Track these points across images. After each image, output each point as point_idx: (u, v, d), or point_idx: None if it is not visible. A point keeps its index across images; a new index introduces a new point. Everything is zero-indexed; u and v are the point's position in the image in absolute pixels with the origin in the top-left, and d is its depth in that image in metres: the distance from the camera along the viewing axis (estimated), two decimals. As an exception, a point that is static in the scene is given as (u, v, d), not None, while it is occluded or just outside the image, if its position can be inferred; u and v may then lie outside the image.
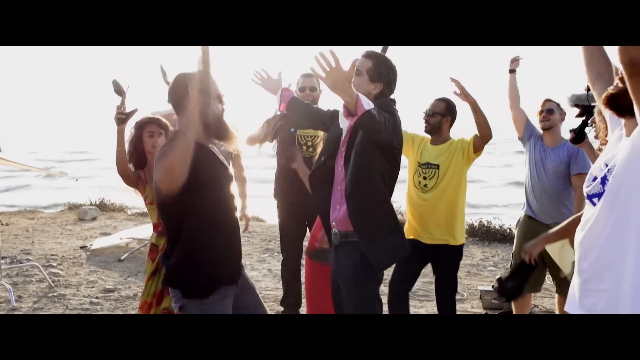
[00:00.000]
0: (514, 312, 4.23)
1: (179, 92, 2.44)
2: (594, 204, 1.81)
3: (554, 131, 3.98)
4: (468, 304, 5.08)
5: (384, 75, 2.79)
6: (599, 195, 1.80)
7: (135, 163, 3.37)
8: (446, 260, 3.73)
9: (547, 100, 3.98)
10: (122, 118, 3.23)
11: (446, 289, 3.73)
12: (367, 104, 2.41)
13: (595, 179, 1.84)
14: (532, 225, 3.98)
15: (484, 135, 3.61)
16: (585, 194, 1.88)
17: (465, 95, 3.58)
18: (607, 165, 1.80)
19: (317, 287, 3.45)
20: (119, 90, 3.31)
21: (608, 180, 1.76)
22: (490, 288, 4.91)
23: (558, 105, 3.98)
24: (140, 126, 3.39)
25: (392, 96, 2.87)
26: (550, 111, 3.94)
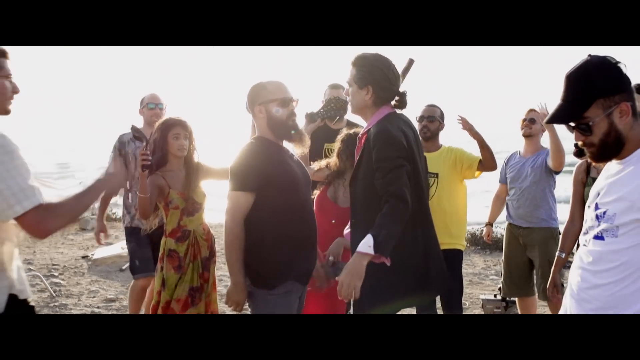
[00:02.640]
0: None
1: (247, 100, 2.74)
2: None
3: (534, 140, 4.12)
4: (470, 313, 5.07)
5: (367, 78, 2.60)
6: None
7: (156, 164, 3.35)
8: (449, 263, 3.72)
9: (531, 110, 4.10)
10: (147, 165, 3.18)
11: (452, 293, 3.70)
12: (380, 248, 2.34)
13: None
14: (514, 230, 4.18)
15: (489, 167, 3.70)
16: None
17: (473, 133, 3.64)
18: None
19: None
20: (139, 137, 3.34)
21: None
22: (492, 297, 4.90)
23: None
24: (166, 128, 3.37)
25: (402, 90, 2.70)
26: (532, 120, 4.08)
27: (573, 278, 1.90)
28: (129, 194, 4.03)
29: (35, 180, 1.94)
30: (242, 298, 2.62)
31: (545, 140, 4.18)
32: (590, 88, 1.73)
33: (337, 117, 3.82)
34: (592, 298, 1.78)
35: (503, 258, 4.31)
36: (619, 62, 1.74)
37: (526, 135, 4.11)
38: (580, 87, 1.75)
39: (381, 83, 2.60)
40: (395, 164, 2.46)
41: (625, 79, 1.74)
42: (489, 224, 4.63)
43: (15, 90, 2.09)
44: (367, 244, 2.35)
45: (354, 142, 3.33)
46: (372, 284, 2.48)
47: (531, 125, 4.07)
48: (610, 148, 1.77)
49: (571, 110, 1.77)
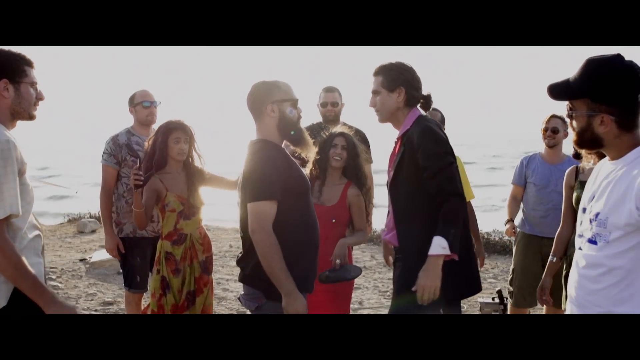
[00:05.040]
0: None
1: (254, 97, 2.57)
2: None
3: (558, 148, 3.99)
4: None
5: (398, 80, 2.68)
6: None
7: (156, 166, 3.34)
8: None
9: (553, 117, 3.95)
10: (139, 184, 3.17)
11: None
12: (453, 248, 2.49)
13: None
14: (532, 241, 3.98)
15: None
16: None
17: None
18: None
19: None
20: (135, 154, 3.34)
21: None
22: (490, 300, 4.90)
23: (563, 120, 3.95)
24: (167, 131, 3.35)
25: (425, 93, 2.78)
26: (556, 130, 3.93)
27: (571, 284, 1.90)
28: (126, 202, 3.84)
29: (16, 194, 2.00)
30: (301, 307, 2.41)
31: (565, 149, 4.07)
32: (584, 83, 1.75)
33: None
34: (592, 304, 1.78)
35: (515, 268, 4.12)
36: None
37: (551, 146, 3.96)
38: (581, 76, 1.76)
39: (412, 83, 2.71)
40: (446, 162, 2.58)
41: (629, 95, 1.70)
42: (510, 220, 4.21)
43: (39, 97, 2.20)
44: (440, 246, 2.47)
45: (327, 146, 3.36)
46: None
47: (554, 135, 3.92)
48: (585, 143, 1.81)
49: (565, 91, 1.80)
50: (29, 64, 2.15)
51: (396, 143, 2.80)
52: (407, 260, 2.69)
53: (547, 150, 4.03)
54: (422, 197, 2.61)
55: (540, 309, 5.12)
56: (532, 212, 4.00)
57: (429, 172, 2.56)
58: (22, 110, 2.15)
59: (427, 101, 2.78)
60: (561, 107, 1.90)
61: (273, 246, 2.39)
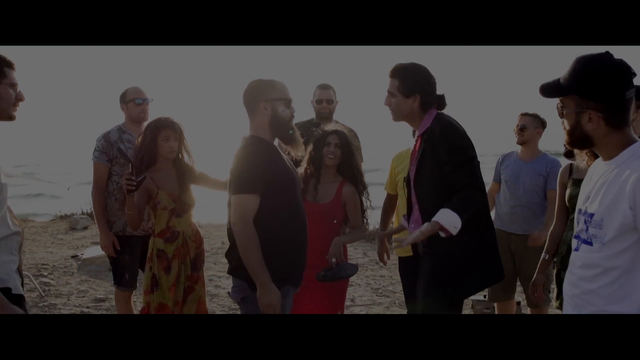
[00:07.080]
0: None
1: (249, 94, 2.64)
2: None
3: (530, 145, 4.02)
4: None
5: (416, 87, 2.72)
6: None
7: (146, 165, 3.33)
8: None
9: (522, 115, 4.01)
10: (131, 189, 3.14)
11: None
12: (456, 223, 2.48)
13: None
14: (503, 236, 4.00)
15: None
16: None
17: None
18: None
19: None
20: (126, 158, 3.33)
21: None
22: (482, 298, 4.93)
23: (535, 117, 4.00)
24: (156, 129, 3.33)
25: (438, 93, 2.81)
26: (523, 128, 3.97)
27: (566, 285, 1.92)
28: (116, 200, 3.79)
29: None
30: (274, 299, 2.48)
31: (542, 144, 4.10)
32: (572, 80, 1.76)
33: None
34: (587, 303, 1.79)
35: None
36: (629, 74, 1.71)
37: (520, 143, 4.02)
38: (571, 73, 1.77)
39: (427, 89, 2.75)
40: (467, 156, 2.63)
41: (616, 92, 1.71)
42: None
43: (19, 98, 2.22)
44: (452, 225, 2.46)
45: (321, 144, 3.36)
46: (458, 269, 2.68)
47: (523, 133, 3.97)
48: (576, 142, 1.82)
49: (554, 89, 1.81)
50: (9, 65, 2.17)
51: (416, 141, 2.85)
52: (435, 254, 2.72)
53: (520, 148, 4.08)
54: (447, 191, 2.64)
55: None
56: (502, 208, 4.07)
57: (451, 166, 2.61)
58: (1, 110, 2.17)
59: (441, 102, 2.81)
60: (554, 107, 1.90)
61: (251, 238, 2.48)
